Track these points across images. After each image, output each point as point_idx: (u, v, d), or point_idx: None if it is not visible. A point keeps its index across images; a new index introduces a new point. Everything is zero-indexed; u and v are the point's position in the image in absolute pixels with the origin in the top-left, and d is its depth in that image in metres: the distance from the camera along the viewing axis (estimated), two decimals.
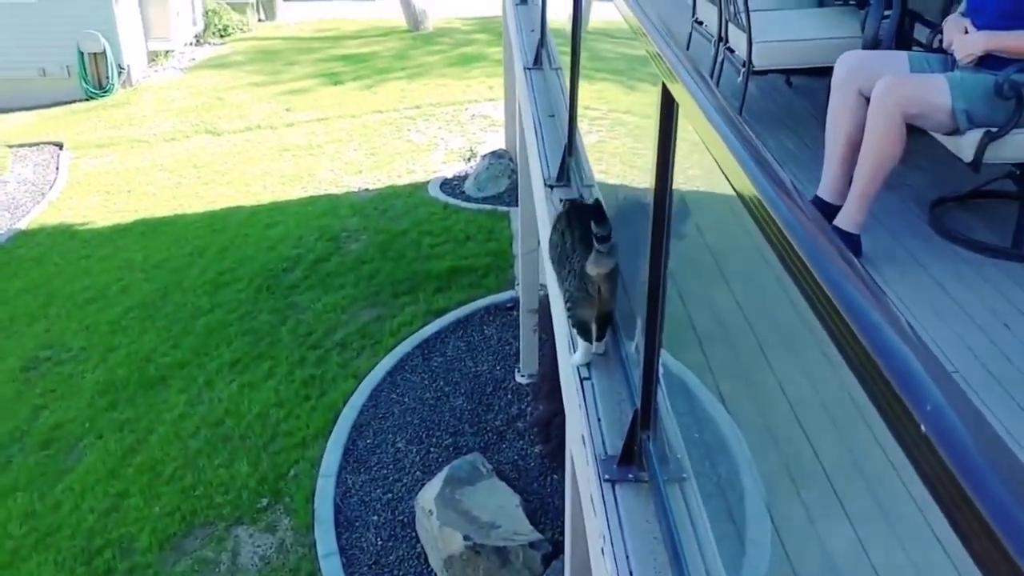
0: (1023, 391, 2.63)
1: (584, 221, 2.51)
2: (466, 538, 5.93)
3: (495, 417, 7.68)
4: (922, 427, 0.79)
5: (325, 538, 6.47)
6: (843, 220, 3.44)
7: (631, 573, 1.97)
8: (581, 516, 2.68)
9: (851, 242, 3.42)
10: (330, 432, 7.51)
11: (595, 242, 2.42)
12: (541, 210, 4.26)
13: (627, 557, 2.03)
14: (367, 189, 12.16)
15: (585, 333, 2.65)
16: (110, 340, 9.25)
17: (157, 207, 12.36)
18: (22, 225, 12.29)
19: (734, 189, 1.36)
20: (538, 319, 7.34)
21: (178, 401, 8.12)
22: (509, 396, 7.92)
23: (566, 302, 2.67)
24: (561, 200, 2.83)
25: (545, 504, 6.53)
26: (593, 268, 2.46)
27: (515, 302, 8.76)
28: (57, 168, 14.01)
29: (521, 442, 7.38)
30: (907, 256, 3.49)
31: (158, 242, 11.38)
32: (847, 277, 1.01)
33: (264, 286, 9.82)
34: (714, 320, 3.38)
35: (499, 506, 6.42)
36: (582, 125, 4.29)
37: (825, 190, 3.66)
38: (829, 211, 3.56)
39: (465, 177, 11.88)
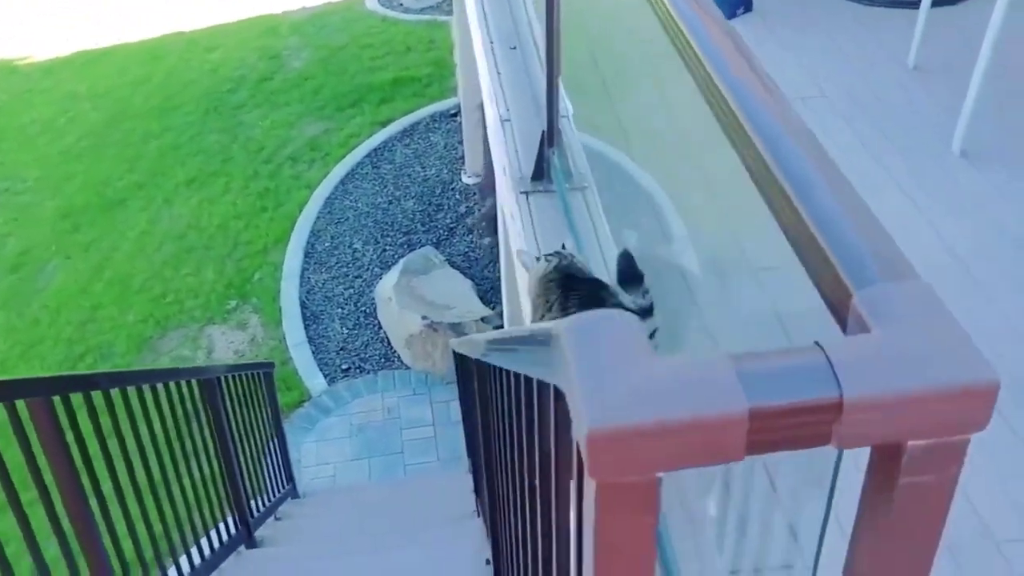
0: (861, 108, 3.06)
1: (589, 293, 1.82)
2: (424, 318, 6.44)
3: (445, 216, 8.09)
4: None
5: (294, 330, 6.96)
6: None
7: (541, 255, 2.40)
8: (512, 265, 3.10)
9: None
10: (289, 238, 7.90)
11: None
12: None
13: (538, 247, 2.46)
14: (304, 8, 12.12)
15: None
16: (64, 169, 9.46)
17: (94, 38, 12.27)
18: None
19: None
20: (480, 115, 7.64)
21: (140, 220, 8.44)
22: (457, 196, 8.31)
23: None
24: (547, 257, 2.04)
25: (495, 286, 7.02)
26: None
27: (459, 108, 9.02)
28: None
29: (471, 236, 7.82)
30: (797, 7, 3.85)
31: (99, 72, 11.39)
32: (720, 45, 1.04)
33: (211, 108, 9.99)
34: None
35: (453, 291, 6.92)
36: None
37: None
38: None
39: None
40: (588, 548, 0.66)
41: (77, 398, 2.48)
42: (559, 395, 0.85)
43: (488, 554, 3.12)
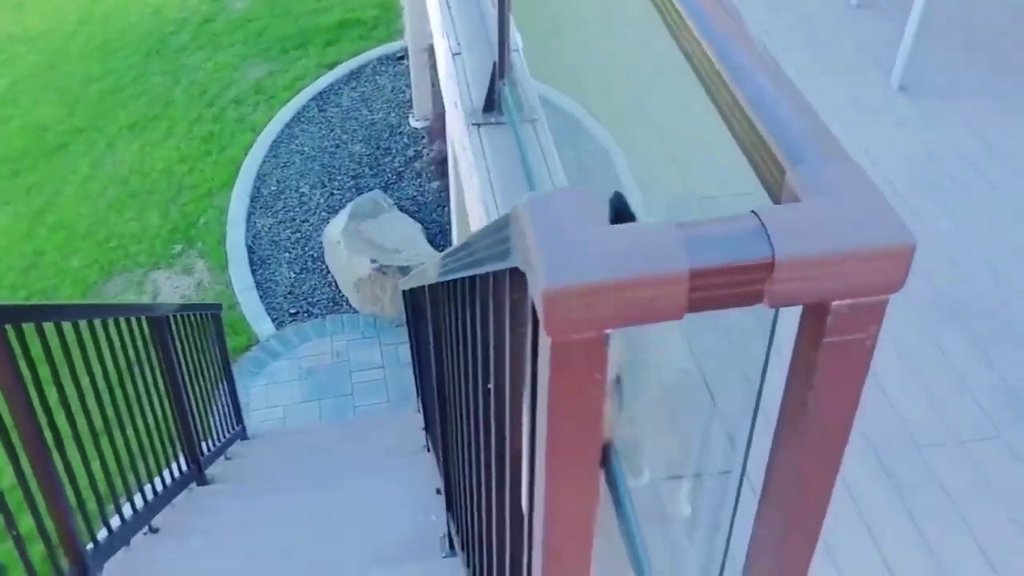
0: (805, 44, 3.14)
1: None
2: (373, 261, 6.45)
3: (393, 160, 8.07)
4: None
5: (240, 275, 6.94)
6: None
7: (491, 185, 2.45)
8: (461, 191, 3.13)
9: None
10: (234, 183, 7.83)
11: None
12: None
13: (489, 177, 2.50)
14: None
15: None
16: (0, 112, 9.25)
17: None
18: None
19: None
20: (428, 57, 7.61)
21: (81, 164, 8.30)
22: (405, 140, 8.29)
23: None
24: None
25: (444, 229, 7.05)
26: None
27: (406, 51, 8.96)
28: None
29: (419, 180, 7.82)
30: None
31: (36, 13, 11.09)
32: None
33: (153, 50, 9.80)
34: None
35: (402, 234, 6.93)
36: None
37: None
38: None
39: None
40: (542, 410, 0.72)
41: (30, 328, 2.49)
42: (516, 276, 0.91)
43: (439, 484, 3.19)
